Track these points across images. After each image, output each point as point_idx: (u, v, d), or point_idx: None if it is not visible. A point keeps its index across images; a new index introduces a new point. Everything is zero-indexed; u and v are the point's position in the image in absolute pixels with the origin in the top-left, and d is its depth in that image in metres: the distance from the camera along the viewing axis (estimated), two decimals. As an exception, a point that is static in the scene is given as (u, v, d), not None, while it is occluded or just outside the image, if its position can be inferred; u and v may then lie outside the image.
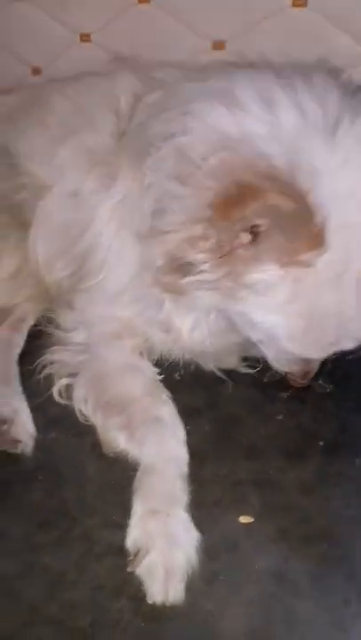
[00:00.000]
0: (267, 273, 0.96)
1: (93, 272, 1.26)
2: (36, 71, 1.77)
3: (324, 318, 0.99)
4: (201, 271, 0.99)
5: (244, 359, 1.28)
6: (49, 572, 0.95)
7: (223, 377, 1.26)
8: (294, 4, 1.46)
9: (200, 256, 0.97)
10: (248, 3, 1.50)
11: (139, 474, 1.03)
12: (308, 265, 0.94)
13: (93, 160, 1.26)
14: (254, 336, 1.09)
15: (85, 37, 1.65)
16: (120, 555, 0.94)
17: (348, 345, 1.04)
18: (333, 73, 1.11)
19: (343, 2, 1.44)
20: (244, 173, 0.90)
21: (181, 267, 1.01)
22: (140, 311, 1.20)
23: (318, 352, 1.07)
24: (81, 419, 1.18)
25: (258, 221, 0.91)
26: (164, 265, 1.03)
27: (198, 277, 1.00)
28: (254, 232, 0.93)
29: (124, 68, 1.41)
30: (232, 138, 0.97)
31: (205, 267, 0.98)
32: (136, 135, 1.21)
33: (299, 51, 1.27)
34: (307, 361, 1.14)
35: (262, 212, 0.89)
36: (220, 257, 0.95)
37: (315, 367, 1.18)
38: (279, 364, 1.14)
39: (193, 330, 1.17)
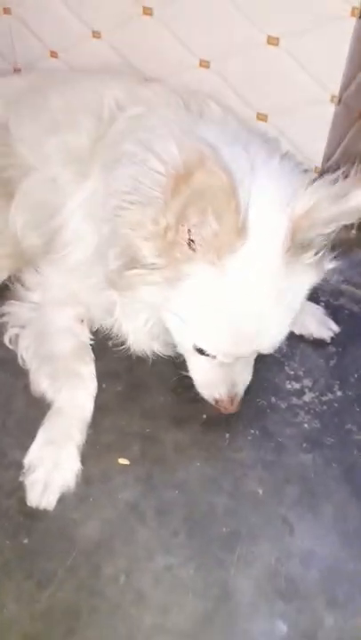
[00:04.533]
0: (200, 267, 1.13)
1: (60, 246, 1.51)
2: (54, 54, 2.01)
3: (244, 315, 1.16)
4: (147, 264, 1.17)
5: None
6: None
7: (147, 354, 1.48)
8: None
9: (148, 244, 1.14)
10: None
11: (49, 412, 1.33)
12: (233, 251, 1.09)
13: (71, 157, 1.50)
14: (184, 344, 1.28)
15: (97, 34, 1.88)
16: (21, 467, 1.26)
17: (265, 347, 1.22)
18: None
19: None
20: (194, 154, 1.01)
21: (129, 261, 1.21)
22: (91, 290, 1.43)
23: (239, 348, 1.22)
24: (21, 363, 1.46)
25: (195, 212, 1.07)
26: (116, 253, 1.24)
27: (143, 270, 1.18)
28: (190, 237, 1.11)
29: (116, 76, 1.66)
30: None
31: (150, 255, 1.16)
32: (111, 146, 1.44)
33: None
34: (231, 383, 1.30)
35: (202, 187, 1.01)
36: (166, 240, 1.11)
37: (240, 391, 1.32)
38: (207, 389, 1.32)
39: (137, 332, 1.41)
